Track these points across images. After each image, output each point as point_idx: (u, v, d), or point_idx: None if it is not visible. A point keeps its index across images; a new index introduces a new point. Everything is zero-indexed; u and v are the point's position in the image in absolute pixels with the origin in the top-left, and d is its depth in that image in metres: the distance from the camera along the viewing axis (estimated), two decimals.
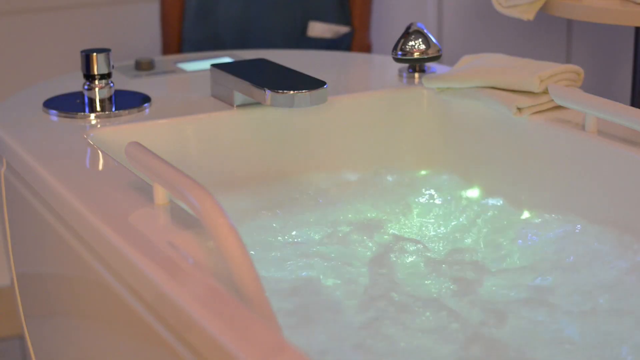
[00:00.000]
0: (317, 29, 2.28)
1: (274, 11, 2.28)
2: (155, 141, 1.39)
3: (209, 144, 1.47)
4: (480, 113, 1.49)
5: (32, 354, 1.46)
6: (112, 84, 1.49)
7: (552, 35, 2.16)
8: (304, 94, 1.39)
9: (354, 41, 2.33)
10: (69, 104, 1.50)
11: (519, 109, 1.42)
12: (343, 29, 2.31)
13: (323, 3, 2.32)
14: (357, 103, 1.55)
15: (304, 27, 2.30)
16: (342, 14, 2.33)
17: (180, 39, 2.37)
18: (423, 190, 1.49)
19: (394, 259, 1.31)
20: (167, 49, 2.38)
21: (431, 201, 1.47)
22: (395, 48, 1.55)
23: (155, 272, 0.99)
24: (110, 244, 1.07)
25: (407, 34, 1.55)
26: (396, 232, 1.40)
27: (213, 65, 1.53)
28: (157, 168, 1.10)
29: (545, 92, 1.42)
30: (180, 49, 2.37)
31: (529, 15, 1.83)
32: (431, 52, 1.55)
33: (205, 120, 1.47)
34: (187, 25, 2.34)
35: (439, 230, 1.42)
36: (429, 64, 1.62)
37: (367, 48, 2.34)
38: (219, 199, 1.00)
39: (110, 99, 1.48)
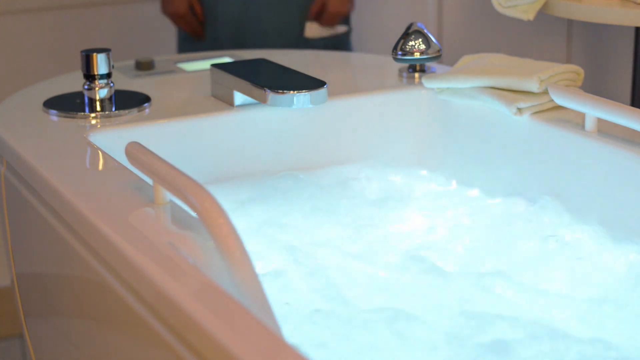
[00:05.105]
0: (315, 29, 2.28)
1: (271, 12, 2.28)
2: (155, 141, 1.39)
3: (209, 144, 1.47)
4: (480, 113, 1.49)
5: (32, 354, 1.46)
6: (112, 84, 1.49)
7: (552, 35, 2.16)
8: (304, 94, 1.39)
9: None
10: (69, 104, 1.50)
11: (519, 109, 1.42)
12: (341, 29, 2.31)
13: None
14: (357, 103, 1.55)
15: (302, 28, 2.29)
16: None
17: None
18: (423, 189, 1.49)
19: (392, 257, 1.31)
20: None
21: (431, 200, 1.47)
22: (395, 48, 1.55)
23: (155, 272, 0.99)
24: (110, 244, 1.07)
25: (407, 34, 1.55)
26: (395, 231, 1.40)
27: (213, 65, 1.53)
28: (157, 168, 1.10)
29: (545, 92, 1.42)
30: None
31: (529, 15, 1.83)
32: (431, 52, 1.55)
33: (205, 120, 1.47)
34: None
35: (436, 230, 1.42)
36: (429, 64, 1.62)
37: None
38: (219, 198, 1.00)
39: (110, 99, 1.48)
